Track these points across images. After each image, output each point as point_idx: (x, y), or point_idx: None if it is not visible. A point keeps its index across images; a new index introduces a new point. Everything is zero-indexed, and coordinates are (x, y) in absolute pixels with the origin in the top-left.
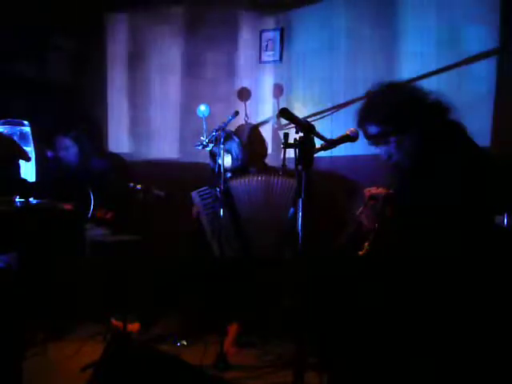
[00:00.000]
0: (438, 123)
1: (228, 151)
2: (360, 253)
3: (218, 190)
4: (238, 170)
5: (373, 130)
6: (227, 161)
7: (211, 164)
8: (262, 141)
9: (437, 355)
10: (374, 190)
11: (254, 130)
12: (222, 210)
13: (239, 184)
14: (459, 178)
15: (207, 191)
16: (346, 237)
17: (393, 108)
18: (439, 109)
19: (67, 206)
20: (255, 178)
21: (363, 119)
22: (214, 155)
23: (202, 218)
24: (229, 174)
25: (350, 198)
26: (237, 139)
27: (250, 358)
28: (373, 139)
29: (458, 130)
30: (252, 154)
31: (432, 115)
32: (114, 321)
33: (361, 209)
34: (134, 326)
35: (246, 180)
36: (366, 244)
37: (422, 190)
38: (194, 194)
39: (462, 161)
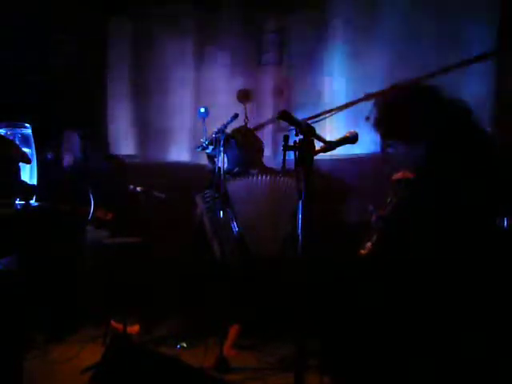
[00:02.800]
0: (449, 136)
1: (225, 153)
2: (362, 252)
3: (219, 192)
4: (237, 171)
5: (382, 137)
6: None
7: (209, 165)
8: (258, 142)
9: (438, 356)
10: (400, 175)
11: (250, 132)
12: (222, 212)
13: (238, 184)
14: (461, 185)
15: (210, 194)
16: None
17: (401, 122)
18: (455, 120)
19: (81, 211)
20: (254, 179)
21: (375, 126)
22: (211, 157)
23: (205, 220)
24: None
25: (350, 199)
26: (233, 141)
27: (250, 360)
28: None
29: (472, 141)
30: (249, 156)
31: (444, 127)
32: (113, 322)
33: (390, 199)
34: (133, 328)
35: (246, 180)
36: (369, 244)
37: (423, 194)
38: (198, 197)
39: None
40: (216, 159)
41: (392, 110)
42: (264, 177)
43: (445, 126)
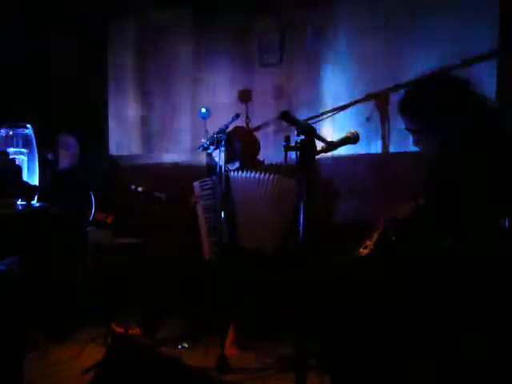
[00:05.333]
0: (467, 128)
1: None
2: (362, 250)
3: (220, 180)
4: (237, 168)
5: (403, 120)
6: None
7: (207, 161)
8: (257, 142)
9: (438, 356)
10: None
11: (249, 132)
12: (221, 207)
13: (240, 176)
14: (468, 180)
15: (208, 182)
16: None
17: (422, 108)
18: (476, 113)
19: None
20: (257, 175)
21: (399, 109)
22: (212, 157)
23: (199, 207)
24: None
25: (351, 199)
26: (234, 142)
27: (251, 361)
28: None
29: (487, 137)
30: (246, 156)
31: (464, 119)
32: (114, 325)
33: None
34: (134, 331)
35: (247, 174)
36: (369, 243)
37: (432, 189)
38: (196, 184)
39: (474, 166)
40: (217, 158)
41: (418, 96)
42: (267, 175)
43: (466, 117)
